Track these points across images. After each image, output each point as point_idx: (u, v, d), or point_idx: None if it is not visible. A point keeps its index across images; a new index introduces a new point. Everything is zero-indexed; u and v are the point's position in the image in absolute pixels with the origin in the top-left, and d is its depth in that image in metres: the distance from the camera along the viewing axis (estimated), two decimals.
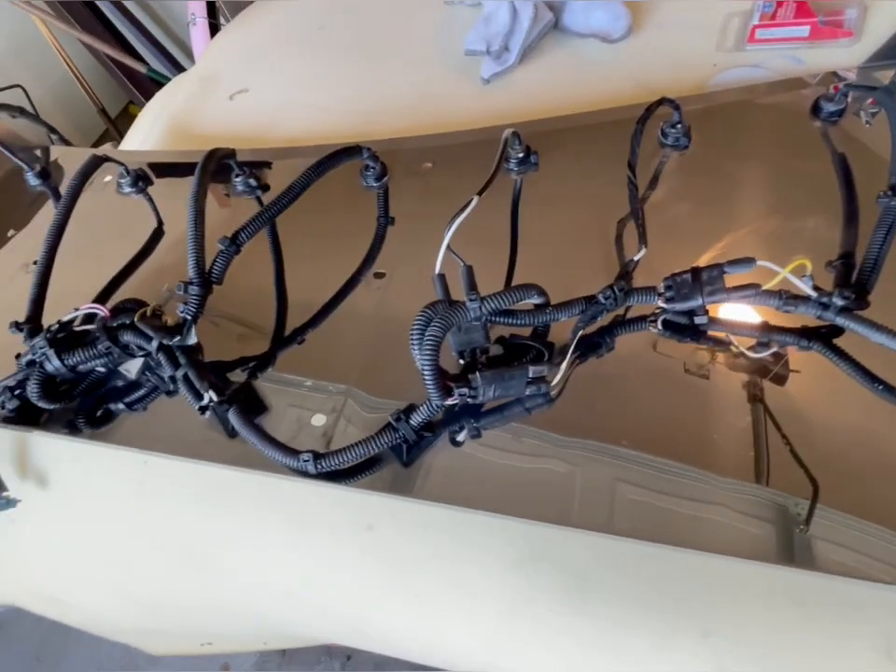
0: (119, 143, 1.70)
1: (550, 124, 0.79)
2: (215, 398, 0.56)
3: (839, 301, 0.50)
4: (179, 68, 2.15)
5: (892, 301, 0.53)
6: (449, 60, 0.94)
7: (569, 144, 0.77)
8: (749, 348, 0.55)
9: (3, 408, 0.60)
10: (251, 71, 1.09)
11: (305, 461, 0.51)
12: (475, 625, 0.52)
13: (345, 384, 0.60)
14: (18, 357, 0.61)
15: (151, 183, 0.81)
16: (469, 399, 0.51)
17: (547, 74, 0.89)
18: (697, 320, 0.54)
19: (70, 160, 0.93)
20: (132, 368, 0.61)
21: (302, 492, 0.56)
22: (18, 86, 1.82)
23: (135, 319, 0.58)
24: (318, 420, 0.58)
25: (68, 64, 2.08)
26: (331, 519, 0.56)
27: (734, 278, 0.52)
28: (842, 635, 0.45)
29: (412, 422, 0.52)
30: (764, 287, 0.51)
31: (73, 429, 0.63)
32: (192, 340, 0.58)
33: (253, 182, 0.77)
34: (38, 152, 0.92)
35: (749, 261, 0.50)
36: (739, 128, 0.73)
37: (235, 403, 0.55)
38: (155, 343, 0.57)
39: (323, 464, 0.52)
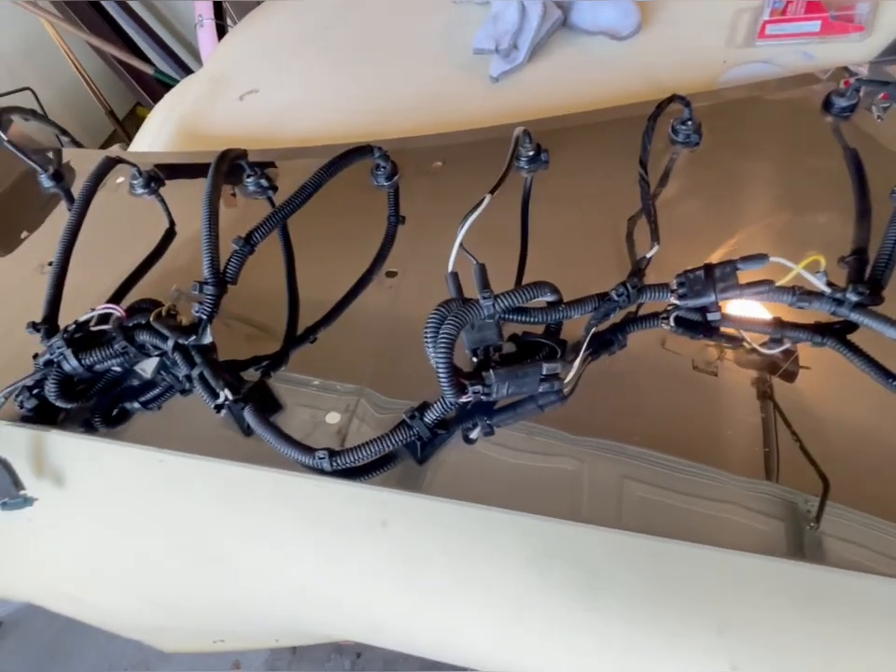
0: (126, 144, 1.71)
1: (559, 122, 0.79)
2: (230, 396, 0.56)
3: (853, 297, 0.50)
4: (186, 69, 2.16)
5: None
6: (458, 59, 0.94)
7: (579, 141, 0.77)
8: (762, 345, 0.55)
9: (22, 407, 0.61)
10: (260, 71, 1.09)
11: (321, 458, 0.52)
12: (488, 621, 0.52)
13: (359, 382, 0.61)
14: (35, 357, 0.61)
15: (163, 184, 0.82)
16: (482, 397, 0.51)
17: (556, 72, 0.89)
18: (710, 317, 0.54)
19: (81, 161, 0.93)
20: (147, 367, 0.62)
21: (317, 489, 0.57)
22: (27, 89, 1.83)
23: (151, 319, 0.58)
24: (333, 418, 0.58)
25: (76, 67, 2.10)
26: (346, 516, 0.56)
27: (746, 275, 0.52)
28: (856, 630, 0.45)
29: (426, 419, 0.53)
30: (778, 284, 0.51)
31: (89, 428, 0.63)
32: (207, 339, 0.59)
33: (265, 182, 0.77)
34: (51, 154, 0.93)
35: (761, 258, 0.50)
36: (749, 124, 0.73)
37: (250, 402, 0.56)
38: (171, 343, 0.57)
39: (338, 461, 0.52)
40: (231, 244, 0.61)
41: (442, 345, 0.49)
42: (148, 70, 2.03)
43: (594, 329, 0.55)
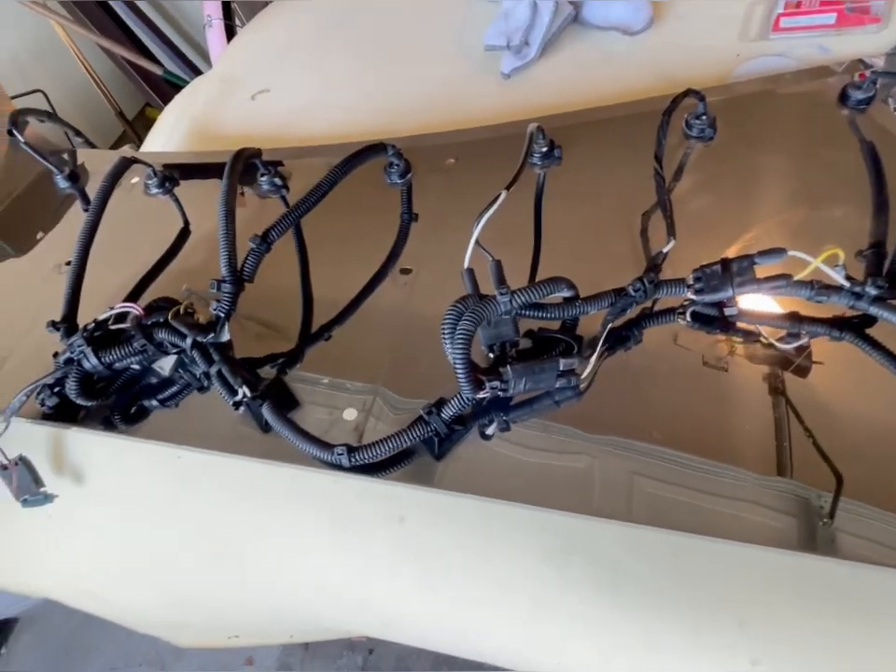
0: (136, 145, 1.72)
1: (571, 118, 0.79)
2: (248, 393, 0.56)
3: (872, 291, 0.50)
4: (195, 70, 2.17)
5: None
6: (469, 56, 0.94)
7: (591, 137, 0.77)
8: (779, 339, 0.55)
9: (43, 405, 0.62)
10: (272, 71, 1.09)
11: (339, 454, 0.52)
12: (505, 617, 0.53)
13: (374, 379, 0.61)
14: (55, 355, 0.62)
15: (178, 184, 0.83)
16: (499, 393, 0.51)
17: (568, 68, 0.89)
18: (727, 311, 0.54)
19: (95, 162, 0.94)
20: (165, 365, 0.62)
21: (335, 485, 0.57)
22: (39, 91, 1.85)
23: (169, 317, 0.59)
24: (350, 414, 0.59)
25: (86, 68, 2.11)
26: (363, 511, 0.56)
27: (763, 269, 0.51)
28: (877, 624, 0.45)
29: (443, 415, 0.53)
30: (796, 278, 0.51)
31: (108, 426, 0.64)
32: (225, 337, 0.59)
33: (278, 181, 0.78)
34: (66, 156, 0.93)
35: (779, 252, 0.50)
36: (764, 118, 0.73)
37: (268, 398, 0.56)
38: (189, 341, 0.58)
39: (357, 457, 0.52)
40: (249, 242, 0.62)
41: (460, 341, 0.49)
42: (157, 71, 2.04)
43: (610, 325, 0.55)
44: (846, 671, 0.45)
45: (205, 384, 0.62)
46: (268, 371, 0.64)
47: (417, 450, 0.55)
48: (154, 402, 0.64)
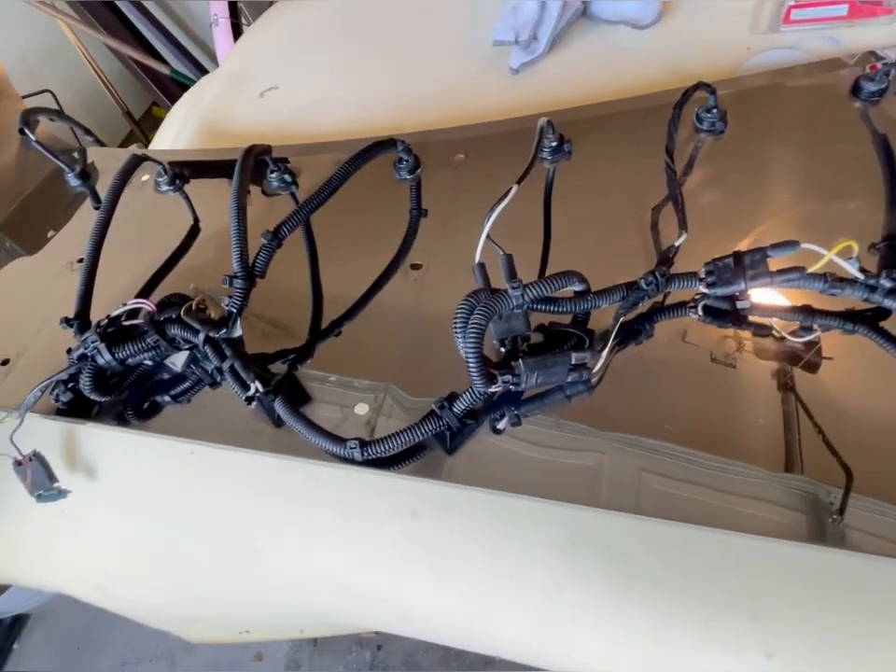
0: (144, 145, 1.73)
1: (580, 112, 0.79)
2: (261, 388, 0.57)
3: (887, 283, 0.50)
4: (202, 69, 2.18)
5: None
6: (477, 51, 0.94)
7: (600, 132, 0.77)
8: (791, 333, 0.55)
9: (57, 401, 0.62)
10: (280, 68, 1.10)
11: (352, 448, 0.52)
12: (518, 610, 0.53)
13: (385, 374, 0.61)
14: (69, 351, 0.62)
15: (188, 181, 0.83)
16: (511, 386, 0.51)
17: (576, 62, 0.89)
18: (739, 305, 0.54)
19: (105, 161, 0.95)
20: (177, 361, 0.63)
21: (347, 479, 0.57)
22: (47, 91, 1.86)
23: (182, 313, 0.59)
24: (362, 409, 0.59)
25: (93, 68, 2.12)
26: (376, 505, 0.57)
27: (775, 262, 0.51)
28: (892, 616, 0.45)
29: (455, 409, 0.53)
30: (809, 270, 0.50)
31: (121, 422, 0.64)
32: (238, 332, 0.60)
33: (288, 178, 0.78)
34: (76, 154, 0.94)
35: (792, 244, 0.50)
36: (775, 111, 0.73)
37: (280, 393, 0.57)
38: (202, 336, 0.58)
39: (369, 451, 0.53)
40: (260, 238, 0.62)
41: (472, 335, 0.49)
42: (164, 70, 2.05)
43: (622, 319, 0.55)
44: (860, 663, 0.45)
45: (218, 379, 0.62)
46: (279, 367, 0.64)
47: (429, 444, 0.55)
48: (167, 398, 0.65)
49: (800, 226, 0.63)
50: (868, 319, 0.53)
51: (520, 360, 0.51)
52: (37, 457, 0.62)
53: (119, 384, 0.64)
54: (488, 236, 0.53)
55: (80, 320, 0.64)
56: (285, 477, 0.60)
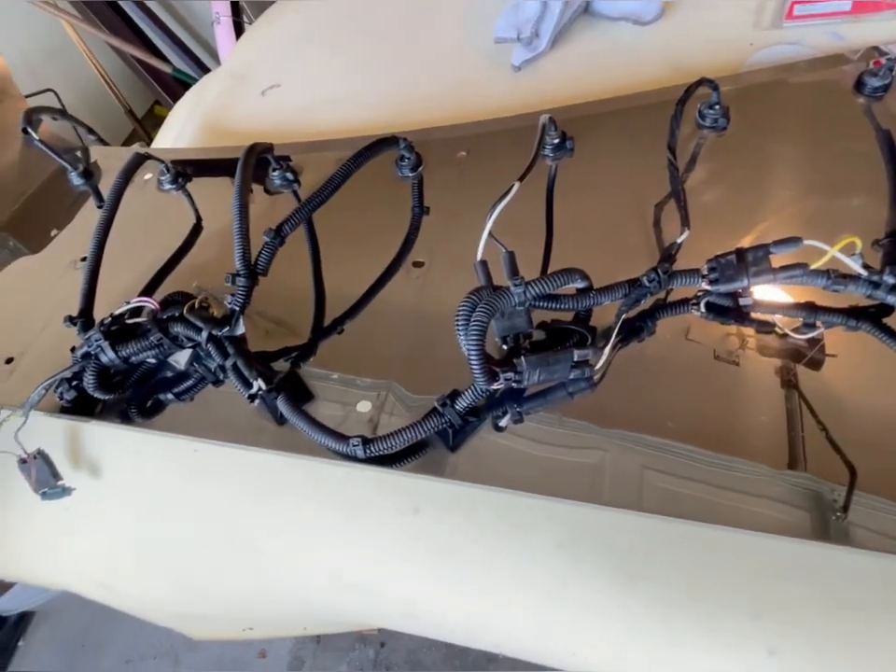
0: (146, 143, 1.73)
1: (582, 109, 0.79)
2: (263, 386, 0.57)
3: (890, 280, 0.49)
4: (204, 68, 2.18)
5: None
6: (479, 48, 0.94)
7: (603, 129, 0.77)
8: (793, 329, 0.55)
9: (61, 399, 0.63)
10: (281, 66, 1.10)
11: (355, 446, 0.52)
12: (520, 607, 0.53)
13: (388, 371, 0.61)
14: (73, 349, 0.63)
15: (190, 179, 0.83)
16: (513, 384, 0.51)
17: (578, 59, 0.88)
18: (742, 301, 0.54)
19: (107, 159, 0.95)
20: (180, 359, 0.63)
21: (350, 477, 0.57)
22: (50, 90, 1.86)
23: (185, 311, 0.59)
24: (364, 406, 0.59)
25: (96, 67, 2.13)
26: (378, 503, 0.57)
27: (778, 259, 0.51)
28: (894, 613, 0.45)
29: (457, 406, 0.53)
30: (812, 266, 0.50)
31: (125, 419, 0.65)
32: (240, 330, 0.60)
33: (290, 176, 0.78)
34: (79, 153, 0.94)
35: (795, 241, 0.50)
36: (778, 107, 0.72)
37: (283, 391, 0.57)
38: (205, 334, 0.58)
39: (372, 448, 0.53)
40: (263, 236, 0.62)
41: (474, 333, 0.49)
42: (166, 69, 2.06)
43: (624, 316, 0.55)
44: (861, 660, 0.45)
45: (220, 377, 0.63)
46: (282, 365, 0.64)
47: (432, 441, 0.55)
48: (170, 396, 0.65)
49: (803, 222, 0.63)
50: (871, 316, 0.53)
51: (522, 358, 0.51)
52: (42, 455, 0.62)
53: (123, 382, 0.64)
54: (490, 234, 0.53)
55: (84, 318, 0.64)
56: (287, 474, 0.60)
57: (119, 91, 2.22)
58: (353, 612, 0.64)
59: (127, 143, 2.43)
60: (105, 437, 0.66)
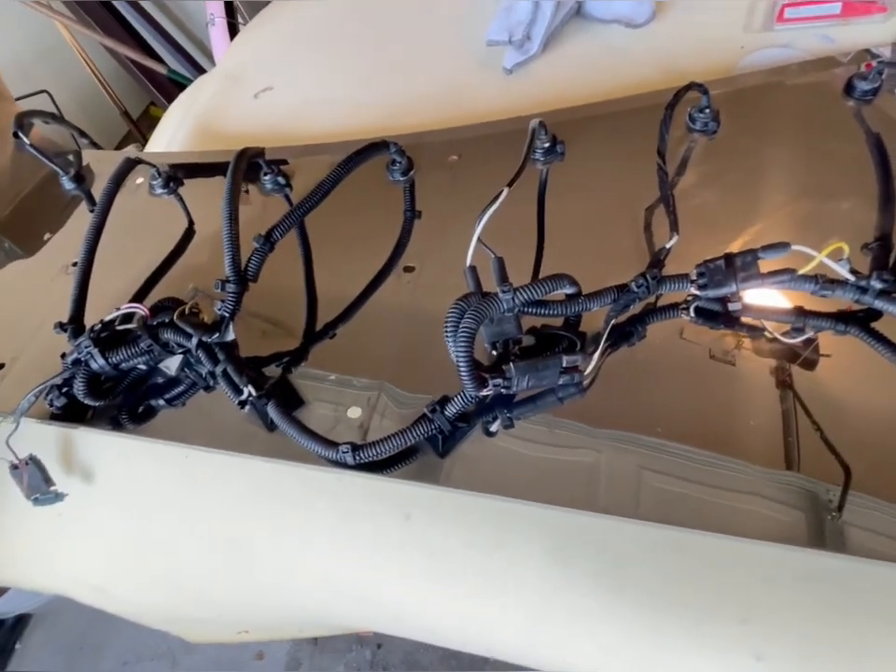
0: (141, 145, 1.73)
1: (574, 113, 0.79)
2: (254, 392, 0.57)
3: (878, 285, 0.50)
4: (198, 68, 2.17)
5: None
6: (471, 51, 0.94)
7: (594, 132, 0.77)
8: (783, 334, 0.55)
9: (51, 405, 0.63)
10: (275, 69, 1.09)
11: (344, 453, 0.52)
12: (511, 612, 0.53)
13: (379, 377, 0.61)
14: (63, 356, 0.63)
15: (182, 184, 0.83)
16: (503, 390, 0.51)
17: (570, 62, 0.88)
18: (731, 307, 0.54)
19: (100, 163, 0.95)
20: (171, 365, 0.63)
21: (340, 483, 0.58)
22: (44, 91, 1.86)
23: (175, 317, 0.59)
24: (354, 412, 0.59)
25: (90, 68, 2.12)
26: (369, 509, 0.57)
27: (767, 264, 0.51)
28: (883, 619, 0.45)
29: (447, 413, 0.53)
30: (800, 272, 0.50)
31: (116, 426, 0.65)
32: (230, 336, 0.60)
33: (282, 180, 0.78)
34: (71, 157, 0.94)
35: (783, 246, 0.50)
36: (769, 110, 0.72)
37: (273, 397, 0.57)
38: (195, 341, 0.58)
39: (361, 455, 0.53)
40: (252, 242, 0.62)
41: (462, 339, 0.49)
42: (161, 70, 2.05)
43: (613, 321, 0.55)
44: (851, 667, 0.45)
45: (211, 383, 0.62)
46: (273, 370, 0.64)
47: (422, 448, 0.55)
48: (161, 402, 0.65)
49: (793, 226, 0.63)
50: (860, 320, 0.53)
51: (511, 364, 0.51)
52: (34, 461, 0.62)
53: (114, 388, 0.64)
54: (479, 239, 0.53)
55: (74, 325, 0.64)
56: (278, 481, 0.60)
57: (113, 92, 2.21)
58: (345, 617, 0.64)
59: (122, 144, 2.42)
60: (96, 443, 0.66)
